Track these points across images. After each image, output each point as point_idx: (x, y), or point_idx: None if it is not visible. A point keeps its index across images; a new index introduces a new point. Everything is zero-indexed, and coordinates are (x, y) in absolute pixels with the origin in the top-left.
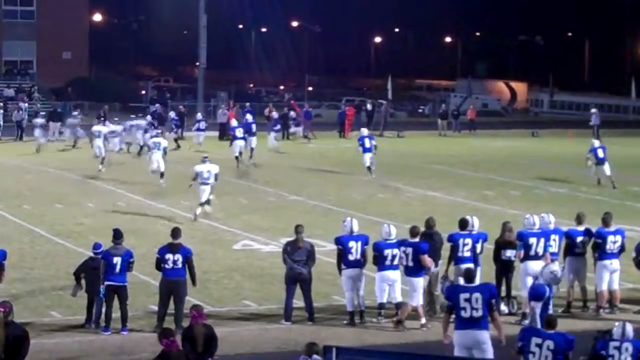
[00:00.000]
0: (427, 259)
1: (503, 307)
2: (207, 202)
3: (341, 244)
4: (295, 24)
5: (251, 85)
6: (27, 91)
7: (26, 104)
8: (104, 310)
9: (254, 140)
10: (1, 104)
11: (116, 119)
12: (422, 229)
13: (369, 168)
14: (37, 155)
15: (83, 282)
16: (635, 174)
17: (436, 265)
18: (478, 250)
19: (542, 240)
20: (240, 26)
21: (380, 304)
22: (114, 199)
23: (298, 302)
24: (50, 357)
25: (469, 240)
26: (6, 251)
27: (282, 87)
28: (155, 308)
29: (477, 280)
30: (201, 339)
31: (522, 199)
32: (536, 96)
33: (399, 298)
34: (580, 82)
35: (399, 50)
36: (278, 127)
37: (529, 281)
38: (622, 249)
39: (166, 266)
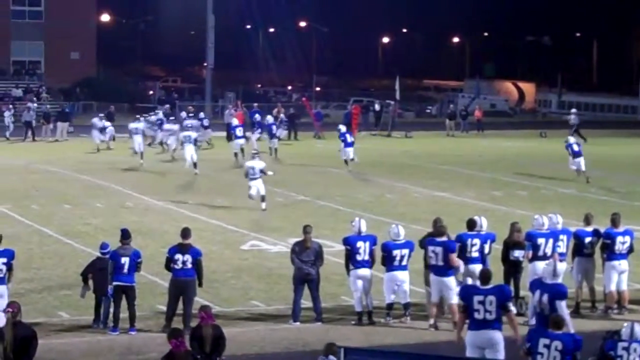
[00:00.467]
0: (456, 258)
1: (512, 308)
2: (262, 198)
3: (349, 244)
4: (303, 24)
5: (259, 86)
6: (35, 91)
7: (35, 104)
8: (112, 310)
9: (276, 142)
10: (10, 105)
11: (172, 118)
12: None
13: (345, 161)
14: (47, 156)
15: (91, 282)
16: None
17: None
18: (486, 250)
19: (551, 240)
20: (248, 26)
21: (388, 305)
22: (122, 199)
23: (306, 302)
24: (59, 357)
25: (477, 241)
26: (14, 251)
27: (290, 88)
28: (163, 308)
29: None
30: (209, 339)
31: (530, 199)
32: (544, 96)
33: (407, 298)
34: (589, 83)
35: (406, 50)
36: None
37: None
38: (630, 249)
39: (176, 266)
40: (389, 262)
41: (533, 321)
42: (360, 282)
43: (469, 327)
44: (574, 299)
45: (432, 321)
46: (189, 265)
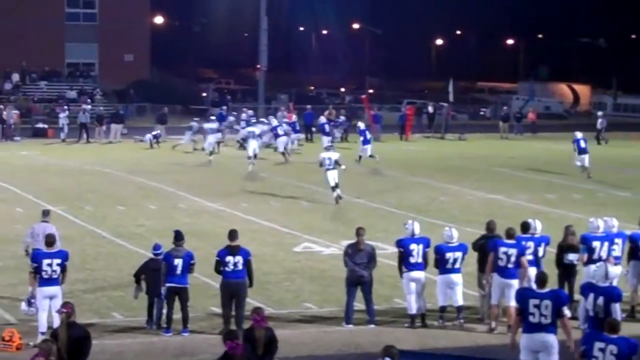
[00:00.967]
0: (526, 262)
1: (566, 312)
2: (336, 185)
3: (403, 246)
4: (356, 26)
5: (312, 88)
6: (89, 93)
7: (89, 106)
8: (164, 311)
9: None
10: (66, 106)
11: (262, 119)
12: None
13: (360, 157)
14: (100, 157)
15: (143, 283)
16: None
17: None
18: (540, 253)
19: (606, 244)
20: (301, 28)
21: (441, 307)
22: (175, 200)
23: (359, 304)
24: (112, 358)
25: (530, 244)
26: (69, 252)
27: (342, 90)
28: (216, 309)
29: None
30: (262, 341)
31: (584, 202)
32: (599, 99)
33: (460, 301)
34: None
35: (460, 52)
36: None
37: None
38: None
39: (226, 269)
40: (442, 265)
41: (585, 325)
42: (413, 285)
43: (523, 330)
44: (629, 302)
45: (493, 324)
46: (240, 267)
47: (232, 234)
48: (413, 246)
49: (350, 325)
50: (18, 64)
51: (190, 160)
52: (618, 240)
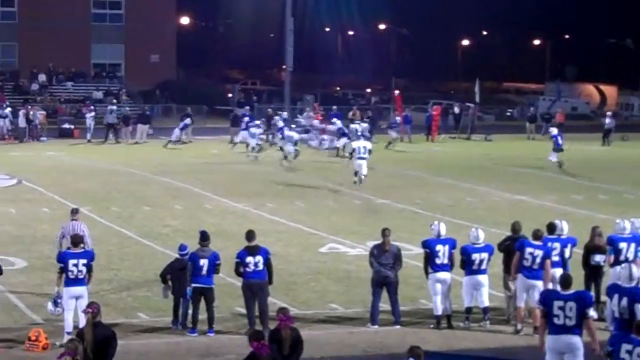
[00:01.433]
0: (549, 264)
1: (592, 313)
2: (364, 175)
3: (428, 247)
4: (382, 26)
5: (337, 88)
6: (115, 94)
7: (115, 107)
8: (190, 311)
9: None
10: (92, 107)
11: (333, 120)
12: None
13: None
14: (126, 158)
15: (169, 283)
16: None
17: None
18: (567, 255)
19: (633, 245)
20: (327, 29)
21: (467, 308)
22: (201, 201)
23: (385, 305)
24: (137, 358)
25: (557, 245)
26: (95, 252)
27: (368, 90)
28: (241, 310)
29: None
30: (287, 341)
31: (611, 203)
32: (626, 100)
33: (486, 302)
34: None
35: (486, 53)
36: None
37: None
38: None
39: (247, 269)
40: (468, 266)
41: (612, 326)
42: (439, 286)
43: (548, 332)
44: None
45: (519, 326)
46: (261, 267)
47: (250, 235)
48: (439, 247)
49: (376, 326)
50: (45, 65)
51: (216, 161)
52: None
